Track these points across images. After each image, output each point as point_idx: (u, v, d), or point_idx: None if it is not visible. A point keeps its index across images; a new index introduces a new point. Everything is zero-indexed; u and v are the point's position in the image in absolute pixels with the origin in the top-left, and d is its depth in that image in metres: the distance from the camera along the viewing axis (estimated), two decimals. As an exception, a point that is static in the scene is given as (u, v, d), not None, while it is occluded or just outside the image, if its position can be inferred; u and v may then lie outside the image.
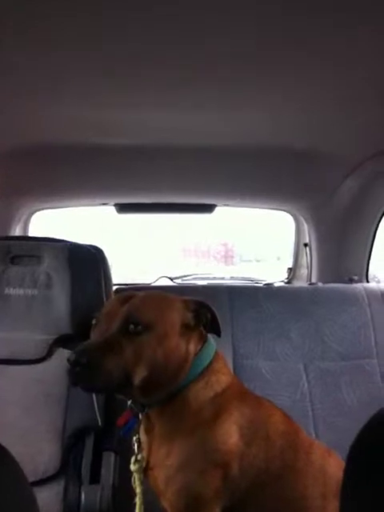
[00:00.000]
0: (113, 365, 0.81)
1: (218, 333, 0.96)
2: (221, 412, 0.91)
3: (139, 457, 0.93)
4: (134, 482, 0.93)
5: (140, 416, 0.93)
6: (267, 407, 0.98)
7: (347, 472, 0.49)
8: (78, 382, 0.82)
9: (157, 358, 0.85)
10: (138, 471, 0.93)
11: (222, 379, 0.95)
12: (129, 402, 0.94)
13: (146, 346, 0.85)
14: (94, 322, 0.90)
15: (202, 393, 0.91)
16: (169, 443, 0.90)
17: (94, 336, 0.86)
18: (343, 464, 0.92)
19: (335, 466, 0.95)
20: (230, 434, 0.89)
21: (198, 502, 0.86)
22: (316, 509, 0.91)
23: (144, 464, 0.93)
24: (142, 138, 1.31)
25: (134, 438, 0.94)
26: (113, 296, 1.36)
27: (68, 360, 0.80)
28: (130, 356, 0.83)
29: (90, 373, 0.80)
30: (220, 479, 0.86)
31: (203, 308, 0.94)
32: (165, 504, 0.90)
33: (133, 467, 0.93)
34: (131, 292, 0.93)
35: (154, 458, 0.92)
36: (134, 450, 0.94)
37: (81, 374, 0.80)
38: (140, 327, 0.84)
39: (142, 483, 0.93)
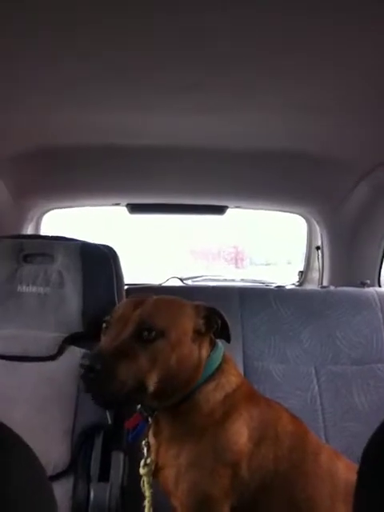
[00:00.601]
0: (127, 372, 0.81)
1: (228, 339, 0.96)
2: (231, 412, 0.91)
3: (148, 461, 0.93)
4: (143, 486, 0.93)
5: (150, 420, 0.92)
6: (276, 408, 0.98)
7: (360, 476, 0.49)
8: (92, 388, 0.81)
9: (170, 364, 0.85)
10: (147, 475, 0.92)
11: (232, 380, 0.95)
12: (138, 406, 0.94)
13: (160, 352, 0.84)
14: (104, 325, 0.89)
15: (213, 394, 0.92)
16: (179, 444, 0.90)
17: (106, 340, 0.85)
18: (352, 466, 0.93)
19: (343, 469, 0.95)
20: (240, 434, 0.89)
21: (207, 500, 0.86)
22: (324, 511, 0.90)
23: (153, 467, 0.93)
24: (155, 139, 1.32)
25: (143, 442, 0.94)
26: (124, 295, 1.37)
27: (81, 365, 0.79)
28: (144, 363, 0.83)
29: (104, 380, 0.79)
30: (229, 479, 0.86)
31: (214, 314, 0.93)
32: (175, 503, 0.90)
33: (142, 471, 0.93)
34: (142, 296, 0.93)
35: (164, 459, 0.92)
36: (143, 453, 0.93)
37: (95, 381, 0.79)
38: (154, 333, 0.84)
39: (151, 486, 0.93)
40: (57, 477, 1.08)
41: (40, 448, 0.52)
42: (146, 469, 0.93)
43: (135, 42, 0.78)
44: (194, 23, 0.72)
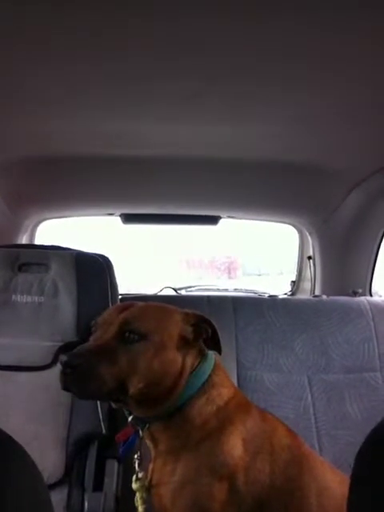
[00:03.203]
0: (106, 371, 0.80)
1: (218, 350, 0.95)
2: (225, 426, 0.89)
3: (140, 475, 0.91)
4: (137, 501, 0.91)
5: (141, 433, 0.91)
6: (271, 421, 0.97)
7: (352, 484, 0.50)
8: (68, 385, 0.80)
9: (152, 368, 0.84)
10: (139, 490, 0.91)
11: (223, 393, 0.93)
12: (129, 418, 0.92)
13: (141, 355, 0.84)
14: (93, 328, 0.90)
15: (205, 408, 0.90)
16: (174, 459, 0.88)
17: (90, 341, 0.86)
18: (346, 480, 0.93)
19: (337, 482, 0.94)
20: (236, 447, 0.88)
21: None
22: None
23: (147, 482, 0.91)
24: (149, 149, 1.33)
25: (135, 456, 0.92)
26: (119, 304, 1.38)
27: (60, 362, 0.80)
28: (125, 364, 0.82)
29: (80, 376, 0.79)
30: (226, 493, 0.85)
31: (204, 322, 0.92)
32: None
33: (134, 486, 0.91)
34: (131, 301, 0.93)
35: (159, 476, 0.90)
36: (134, 467, 0.92)
37: (71, 377, 0.79)
38: (136, 336, 0.84)
39: (145, 502, 0.91)
40: (51, 486, 1.08)
41: (35, 457, 0.52)
42: (138, 484, 0.91)
43: (134, 52, 0.80)
44: (194, 34, 0.74)
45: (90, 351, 0.81)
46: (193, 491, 0.85)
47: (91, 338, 0.87)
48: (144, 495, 0.91)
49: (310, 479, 0.92)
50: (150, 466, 0.92)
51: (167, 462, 0.89)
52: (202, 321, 0.92)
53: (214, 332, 0.93)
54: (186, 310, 0.94)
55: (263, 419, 0.96)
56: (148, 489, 0.91)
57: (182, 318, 0.91)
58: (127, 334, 0.84)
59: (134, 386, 0.83)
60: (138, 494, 0.90)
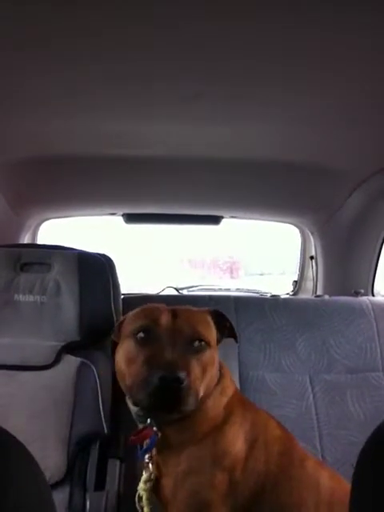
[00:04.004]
0: (192, 383, 0.79)
1: (235, 338, 1.00)
2: (229, 417, 0.92)
3: (152, 476, 0.89)
4: (142, 501, 0.90)
5: (159, 434, 0.89)
6: (263, 413, 1.00)
7: (354, 484, 0.50)
8: (175, 401, 0.77)
9: (213, 374, 0.87)
10: (148, 490, 0.89)
11: (230, 386, 0.97)
12: (148, 420, 0.90)
13: (208, 362, 0.85)
14: (141, 334, 0.86)
15: (219, 399, 0.93)
16: (178, 451, 0.89)
17: (155, 349, 0.82)
18: (335, 475, 0.94)
19: (327, 477, 0.96)
20: (238, 437, 0.90)
21: (206, 508, 0.85)
22: None
23: (153, 477, 0.90)
24: (149, 149, 1.33)
25: (147, 456, 0.91)
26: (121, 304, 1.38)
27: (161, 378, 0.75)
28: (197, 373, 0.82)
29: (184, 392, 0.77)
30: (227, 484, 0.86)
31: (222, 318, 0.96)
32: None
33: (144, 486, 0.89)
34: (157, 305, 0.94)
35: (161, 468, 0.91)
36: (147, 468, 0.90)
37: (179, 392, 0.76)
38: (203, 344, 0.85)
39: (150, 502, 0.90)
40: (53, 486, 1.08)
41: (37, 457, 0.52)
42: (148, 484, 0.89)
43: (134, 53, 0.80)
44: (193, 34, 0.74)
45: (180, 365, 0.78)
46: (195, 482, 0.86)
47: (155, 345, 0.83)
48: (150, 495, 0.90)
49: (301, 471, 0.94)
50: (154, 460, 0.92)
51: (171, 455, 0.89)
52: (221, 317, 0.97)
53: (231, 325, 0.98)
54: (206, 309, 0.97)
55: (257, 412, 0.99)
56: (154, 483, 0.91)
57: (211, 319, 0.94)
58: (197, 344, 0.85)
59: (201, 394, 0.84)
60: (144, 494, 0.89)
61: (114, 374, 1.33)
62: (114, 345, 0.96)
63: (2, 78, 0.89)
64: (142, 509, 0.89)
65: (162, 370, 0.76)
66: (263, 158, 1.38)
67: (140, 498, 0.90)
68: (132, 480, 1.23)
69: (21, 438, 0.50)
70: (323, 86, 0.91)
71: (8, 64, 0.83)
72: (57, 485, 1.09)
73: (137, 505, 0.90)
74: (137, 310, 0.96)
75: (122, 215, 1.92)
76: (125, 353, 0.88)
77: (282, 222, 2.06)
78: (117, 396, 1.32)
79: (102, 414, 1.20)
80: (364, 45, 0.76)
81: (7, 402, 1.16)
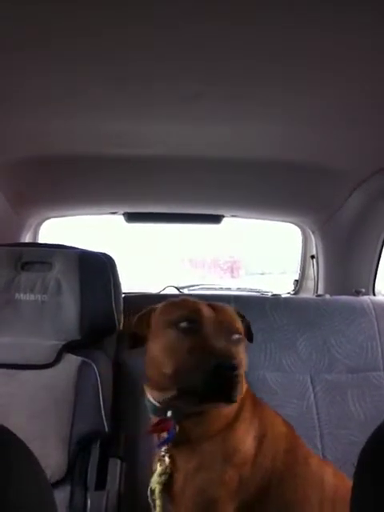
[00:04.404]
0: (242, 372, 0.81)
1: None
2: (240, 413, 0.92)
3: (168, 470, 0.89)
4: (155, 494, 0.88)
5: (177, 427, 0.89)
6: (270, 410, 1.00)
7: (355, 483, 0.50)
8: (233, 388, 0.78)
9: (243, 365, 0.88)
10: (161, 483, 0.88)
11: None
12: (169, 413, 0.89)
13: (242, 353, 0.88)
14: (185, 324, 0.86)
15: None
16: (191, 447, 0.89)
17: (201, 338, 0.83)
18: (338, 473, 0.95)
19: (331, 474, 0.97)
20: (248, 434, 0.91)
21: (213, 505, 0.85)
22: None
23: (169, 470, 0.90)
24: (150, 149, 1.33)
25: (164, 449, 0.90)
26: (122, 303, 1.38)
27: (217, 366, 0.76)
28: (242, 364, 0.84)
29: (237, 379, 0.78)
30: (236, 481, 0.86)
31: (243, 318, 0.98)
32: (178, 508, 0.88)
33: (158, 479, 0.88)
34: (193, 300, 0.94)
35: (172, 463, 0.90)
36: (163, 461, 0.89)
37: (236, 379, 0.77)
38: (240, 337, 0.88)
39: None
40: (54, 485, 1.08)
41: (37, 456, 0.52)
42: (162, 477, 0.88)
43: (134, 53, 0.80)
44: (194, 34, 0.74)
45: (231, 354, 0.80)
46: (205, 478, 0.86)
47: (198, 335, 0.84)
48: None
49: (305, 468, 0.94)
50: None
51: (183, 450, 0.89)
52: (241, 316, 0.98)
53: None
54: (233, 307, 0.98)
55: (264, 408, 0.99)
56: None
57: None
58: (235, 337, 0.87)
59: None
60: (157, 487, 0.88)
61: (114, 372, 1.35)
62: (135, 337, 0.97)
63: (2, 77, 0.89)
64: (154, 502, 0.89)
65: (216, 358, 0.76)
66: (263, 157, 1.38)
67: (152, 492, 0.89)
68: (133, 479, 1.23)
69: (21, 437, 0.51)
70: (323, 86, 0.91)
71: (8, 64, 0.83)
72: (57, 484, 1.09)
73: (149, 498, 0.90)
74: (171, 300, 0.96)
75: (123, 214, 1.92)
76: (165, 342, 0.87)
77: (283, 221, 2.06)
78: (118, 395, 1.32)
79: (102, 413, 1.20)
80: (364, 45, 0.76)
81: (8, 402, 1.16)
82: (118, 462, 1.19)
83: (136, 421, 1.32)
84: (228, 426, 0.90)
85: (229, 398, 0.79)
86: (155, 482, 0.89)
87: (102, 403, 1.21)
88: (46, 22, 0.70)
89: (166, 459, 0.89)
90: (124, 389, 1.35)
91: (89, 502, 1.09)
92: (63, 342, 1.25)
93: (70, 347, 1.26)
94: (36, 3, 0.66)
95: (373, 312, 1.50)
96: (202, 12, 0.68)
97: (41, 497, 0.50)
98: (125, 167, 1.46)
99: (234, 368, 0.76)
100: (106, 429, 1.20)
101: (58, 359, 1.22)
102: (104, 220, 2.11)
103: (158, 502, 0.88)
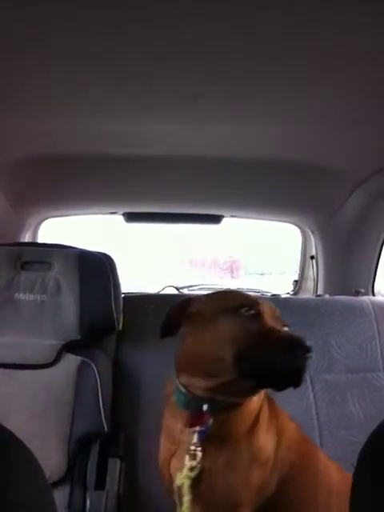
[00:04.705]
0: None
1: None
2: (261, 411, 0.92)
3: (199, 465, 0.87)
4: (182, 490, 0.86)
5: (211, 420, 0.88)
6: (282, 410, 1.01)
7: (354, 483, 0.50)
8: (304, 372, 0.79)
9: None
10: (191, 478, 0.86)
11: None
12: (205, 406, 0.88)
13: None
14: (247, 308, 0.86)
15: (257, 396, 0.93)
16: (218, 444, 0.88)
17: (264, 324, 0.84)
18: (338, 467, 0.96)
19: (337, 471, 0.99)
20: (270, 432, 0.92)
21: (237, 504, 0.85)
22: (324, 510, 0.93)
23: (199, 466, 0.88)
24: (152, 148, 1.33)
25: (194, 443, 0.88)
26: (121, 303, 1.38)
27: (294, 347, 0.77)
28: None
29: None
30: (260, 480, 0.87)
31: None
32: (206, 507, 0.87)
33: (190, 474, 0.86)
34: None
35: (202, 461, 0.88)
36: (195, 455, 0.87)
37: (307, 363, 0.78)
38: (288, 328, 0.89)
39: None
40: (53, 485, 1.08)
41: (37, 456, 0.52)
42: (194, 472, 0.86)
43: (134, 53, 0.80)
44: (193, 34, 0.74)
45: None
46: (233, 478, 0.86)
47: (260, 323, 0.85)
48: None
49: (317, 461, 0.97)
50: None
51: (211, 447, 0.88)
52: None
53: None
54: None
55: (275, 404, 0.99)
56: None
57: None
58: (285, 328, 0.88)
59: None
60: (187, 482, 0.86)
61: (114, 372, 1.35)
62: (170, 325, 0.95)
63: (2, 77, 0.89)
64: (180, 498, 0.86)
65: (290, 340, 0.77)
66: (263, 157, 1.38)
67: (179, 487, 0.86)
68: (132, 479, 1.23)
69: (21, 436, 0.51)
70: (323, 86, 0.91)
71: (8, 64, 0.83)
72: (57, 484, 1.09)
73: (175, 495, 0.87)
74: (217, 291, 0.97)
75: (123, 214, 1.92)
76: (226, 327, 0.85)
77: (283, 221, 2.06)
78: (117, 395, 1.32)
79: (102, 412, 1.20)
80: (364, 45, 0.76)
81: (7, 401, 1.16)
82: (118, 461, 1.19)
83: (135, 421, 1.32)
84: (254, 424, 0.90)
85: (299, 381, 0.79)
86: (184, 477, 0.86)
87: (101, 403, 1.21)
88: (46, 22, 0.70)
89: (199, 454, 0.87)
90: (123, 389, 1.35)
91: (88, 501, 1.09)
92: (63, 342, 1.26)
93: (69, 347, 1.26)
94: (36, 3, 0.66)
95: (372, 312, 1.50)
96: (202, 12, 0.68)
97: (40, 497, 0.50)
98: (125, 167, 1.46)
99: (309, 349, 0.77)
100: (106, 429, 1.20)
101: (57, 359, 1.23)
102: (103, 220, 2.11)
103: (186, 498, 0.85)
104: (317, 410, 1.38)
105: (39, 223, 1.98)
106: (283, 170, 1.45)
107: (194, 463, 0.86)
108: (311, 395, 1.39)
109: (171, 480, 0.91)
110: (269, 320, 0.85)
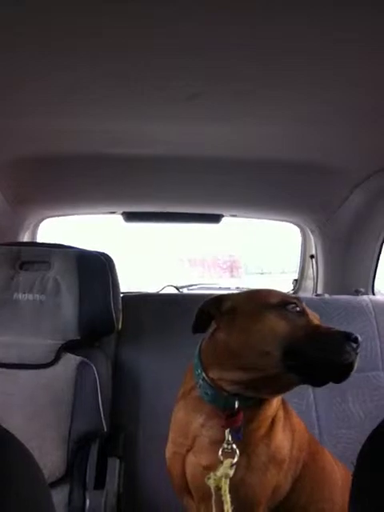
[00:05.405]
0: None
1: None
2: (279, 412, 0.93)
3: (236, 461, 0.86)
4: (222, 490, 0.82)
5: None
6: (292, 409, 1.01)
7: (354, 483, 0.50)
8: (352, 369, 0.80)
9: None
10: (229, 477, 0.83)
11: None
12: (237, 403, 0.87)
13: None
14: (292, 305, 0.88)
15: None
16: (239, 443, 0.87)
17: (311, 321, 0.87)
18: (340, 464, 0.97)
19: (342, 468, 1.01)
20: (286, 430, 0.92)
21: (254, 504, 0.85)
22: (331, 509, 0.94)
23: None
24: (151, 148, 1.32)
25: (228, 441, 0.87)
26: (120, 303, 1.38)
27: (348, 340, 0.79)
28: None
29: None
30: (276, 480, 0.87)
31: None
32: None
33: (230, 471, 0.83)
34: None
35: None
36: (232, 453, 0.86)
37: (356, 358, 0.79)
38: None
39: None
40: (53, 484, 1.08)
41: (36, 456, 0.52)
42: (233, 469, 0.84)
43: (135, 52, 0.79)
44: (194, 34, 0.74)
45: None
46: (250, 476, 0.86)
47: (303, 320, 0.87)
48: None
49: (324, 458, 0.98)
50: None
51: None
52: None
53: None
54: None
55: (286, 402, 0.99)
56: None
57: None
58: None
59: None
60: (227, 481, 0.83)
61: (113, 372, 1.35)
62: (203, 320, 0.95)
63: (2, 77, 0.88)
64: (220, 498, 0.81)
65: (340, 334, 0.80)
66: (263, 157, 1.38)
67: (217, 489, 0.82)
68: (132, 478, 1.24)
69: (20, 436, 0.51)
70: (323, 86, 0.90)
71: (8, 64, 0.83)
72: (56, 483, 1.10)
73: (212, 498, 0.82)
74: (256, 289, 0.97)
75: (122, 214, 1.92)
76: (272, 322, 0.86)
77: (282, 220, 2.06)
78: (116, 394, 1.32)
79: (101, 412, 1.21)
80: (364, 45, 0.76)
81: (6, 401, 1.16)
82: (117, 461, 1.19)
83: (135, 420, 1.32)
84: (272, 423, 0.91)
85: (347, 376, 0.80)
86: (221, 476, 0.83)
87: (100, 403, 1.21)
88: (46, 21, 0.70)
89: (237, 450, 0.85)
90: (123, 388, 1.35)
91: (87, 501, 1.09)
92: (62, 342, 1.25)
93: (68, 347, 1.26)
94: (36, 3, 0.66)
95: (372, 311, 1.51)
96: (202, 12, 0.68)
97: (39, 498, 0.50)
98: (124, 167, 1.46)
99: (359, 344, 0.79)
100: (105, 428, 1.20)
101: (56, 359, 1.23)
102: (103, 219, 2.11)
103: (227, 499, 0.80)
104: (316, 408, 1.38)
105: (38, 223, 1.98)
106: (283, 169, 1.45)
107: (232, 461, 0.84)
108: (311, 395, 1.39)
109: (182, 476, 0.91)
110: (312, 315, 0.88)
